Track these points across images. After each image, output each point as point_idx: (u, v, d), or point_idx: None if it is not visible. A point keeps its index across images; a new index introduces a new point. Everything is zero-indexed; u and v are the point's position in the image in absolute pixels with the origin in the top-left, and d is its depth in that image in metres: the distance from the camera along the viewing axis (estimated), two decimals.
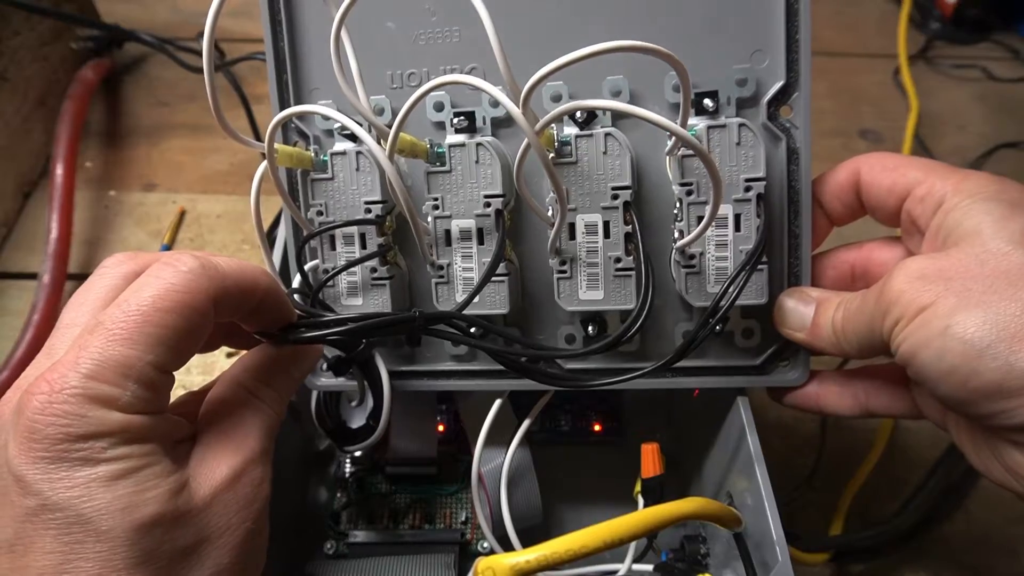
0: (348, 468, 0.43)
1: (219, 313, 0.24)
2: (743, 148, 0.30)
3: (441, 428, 0.44)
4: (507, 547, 0.36)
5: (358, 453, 0.43)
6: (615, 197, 0.31)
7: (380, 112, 0.34)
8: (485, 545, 0.40)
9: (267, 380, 0.28)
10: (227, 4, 0.27)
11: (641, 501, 0.35)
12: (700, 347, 0.32)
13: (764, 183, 0.30)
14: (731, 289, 0.31)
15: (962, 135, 0.70)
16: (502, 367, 0.34)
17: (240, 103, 0.63)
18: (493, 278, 0.32)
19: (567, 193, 0.31)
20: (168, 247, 0.56)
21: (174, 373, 0.24)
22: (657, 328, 0.34)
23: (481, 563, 0.25)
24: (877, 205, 0.31)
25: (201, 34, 0.70)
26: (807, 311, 0.31)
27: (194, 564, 0.22)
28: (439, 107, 0.34)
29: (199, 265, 0.23)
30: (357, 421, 0.38)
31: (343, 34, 0.29)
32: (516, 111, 0.25)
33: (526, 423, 0.37)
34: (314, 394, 0.38)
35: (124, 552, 0.20)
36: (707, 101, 0.31)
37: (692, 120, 0.31)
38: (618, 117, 0.32)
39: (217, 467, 0.24)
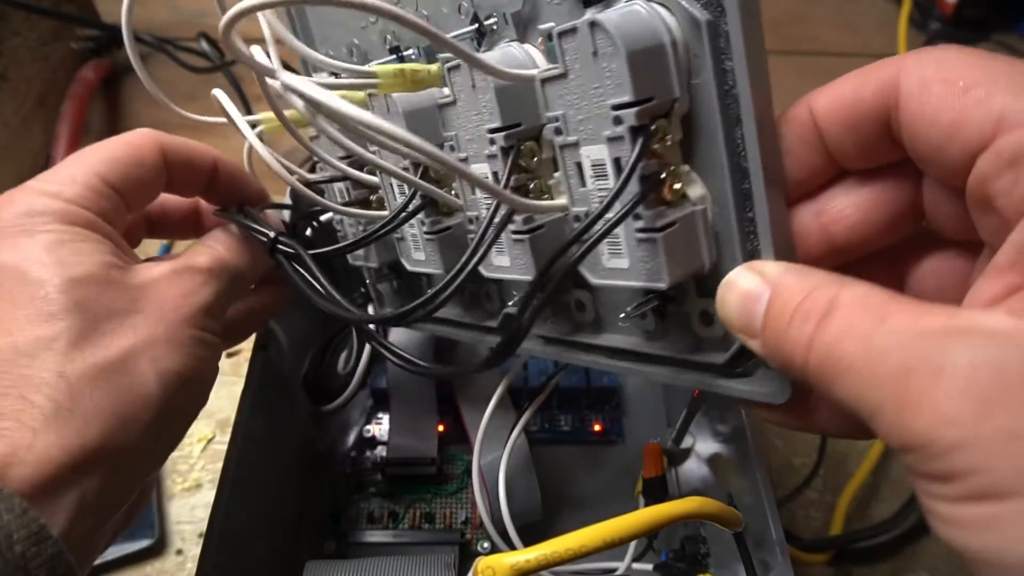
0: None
1: (173, 169, 0.29)
2: (601, 60, 0.21)
3: (441, 428, 0.44)
4: (507, 541, 0.36)
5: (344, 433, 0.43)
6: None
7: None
8: (485, 545, 0.40)
9: (226, 245, 0.30)
10: (227, 4, 0.27)
11: (642, 501, 0.35)
12: (664, 328, 0.26)
13: (635, 110, 0.20)
14: (555, 267, 0.23)
15: None
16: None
17: (239, 102, 0.63)
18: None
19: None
20: (168, 248, 0.56)
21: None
22: (615, 302, 0.27)
23: (481, 563, 0.25)
24: (927, 155, 0.19)
25: (201, 34, 0.70)
26: (755, 305, 0.20)
27: (122, 329, 0.24)
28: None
29: (152, 130, 0.30)
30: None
31: None
32: None
33: (526, 415, 0.37)
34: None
35: (56, 298, 0.24)
36: None
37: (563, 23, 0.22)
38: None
39: (160, 264, 0.28)
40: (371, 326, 0.30)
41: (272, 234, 0.29)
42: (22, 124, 0.61)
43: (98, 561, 0.42)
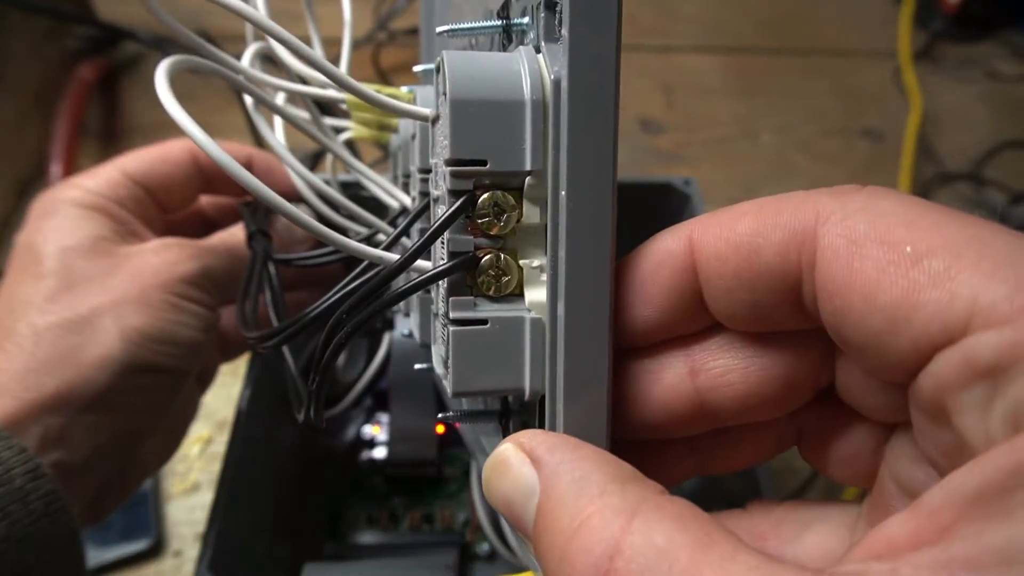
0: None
1: (209, 169, 0.32)
2: (446, 105, 0.17)
3: (441, 429, 0.43)
4: (505, 543, 0.36)
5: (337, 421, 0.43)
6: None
7: None
8: (485, 547, 0.40)
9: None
10: (226, 3, 0.26)
11: None
12: None
13: (449, 169, 0.17)
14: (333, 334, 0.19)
15: (965, 134, 0.69)
16: None
17: (239, 102, 0.63)
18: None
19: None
20: None
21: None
22: None
23: None
24: (856, 342, 0.15)
25: (199, 33, 0.70)
26: (525, 504, 0.15)
27: (96, 289, 0.27)
28: None
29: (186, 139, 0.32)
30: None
31: None
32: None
33: None
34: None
35: (46, 263, 0.27)
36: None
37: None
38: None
39: (160, 239, 0.30)
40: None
41: (254, 228, 0.30)
42: (19, 123, 0.61)
43: (97, 562, 0.42)
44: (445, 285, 0.17)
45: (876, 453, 0.18)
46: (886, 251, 0.14)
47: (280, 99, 0.28)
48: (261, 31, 0.19)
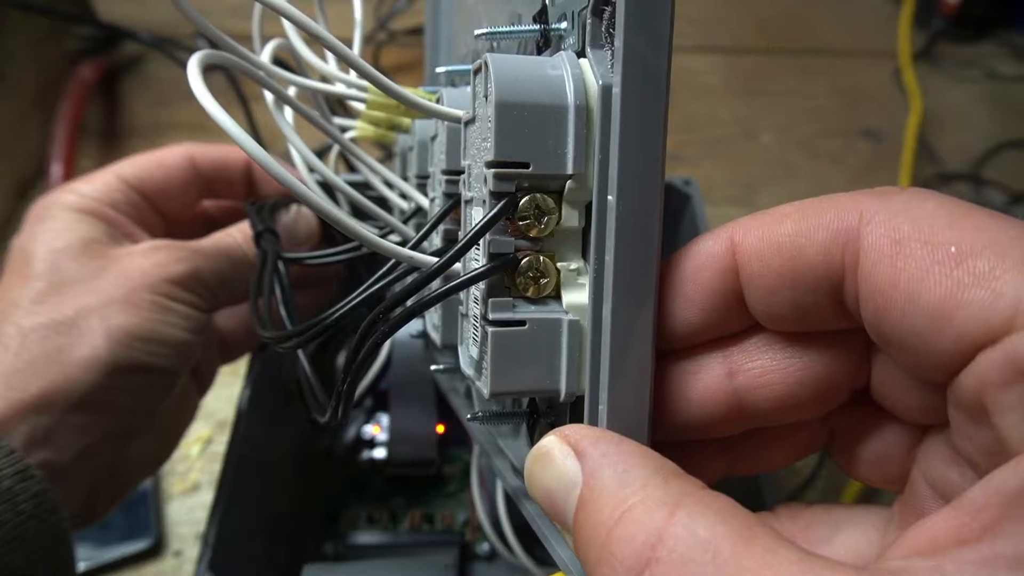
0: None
1: (208, 172, 0.33)
2: (488, 106, 0.17)
3: (441, 429, 0.43)
4: (505, 543, 0.36)
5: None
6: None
7: None
8: (486, 546, 0.40)
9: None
10: (226, 3, 0.26)
11: None
12: None
13: (493, 171, 0.17)
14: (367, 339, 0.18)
15: (965, 134, 0.69)
16: None
17: (238, 102, 0.63)
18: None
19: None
20: None
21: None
22: None
23: None
24: (897, 339, 0.15)
25: (199, 33, 0.70)
26: (566, 497, 0.16)
27: (83, 290, 0.27)
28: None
29: (185, 144, 0.33)
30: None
31: None
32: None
33: None
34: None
35: (36, 265, 0.28)
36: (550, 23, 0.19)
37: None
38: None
39: (151, 241, 0.30)
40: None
41: (261, 227, 0.30)
42: (19, 124, 0.61)
43: (97, 562, 0.42)
44: (482, 286, 0.17)
45: (908, 455, 0.18)
46: (930, 251, 0.14)
47: (269, 98, 0.27)
48: (304, 30, 0.19)
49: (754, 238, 0.16)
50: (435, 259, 0.18)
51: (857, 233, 0.15)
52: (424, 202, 0.26)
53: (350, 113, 0.29)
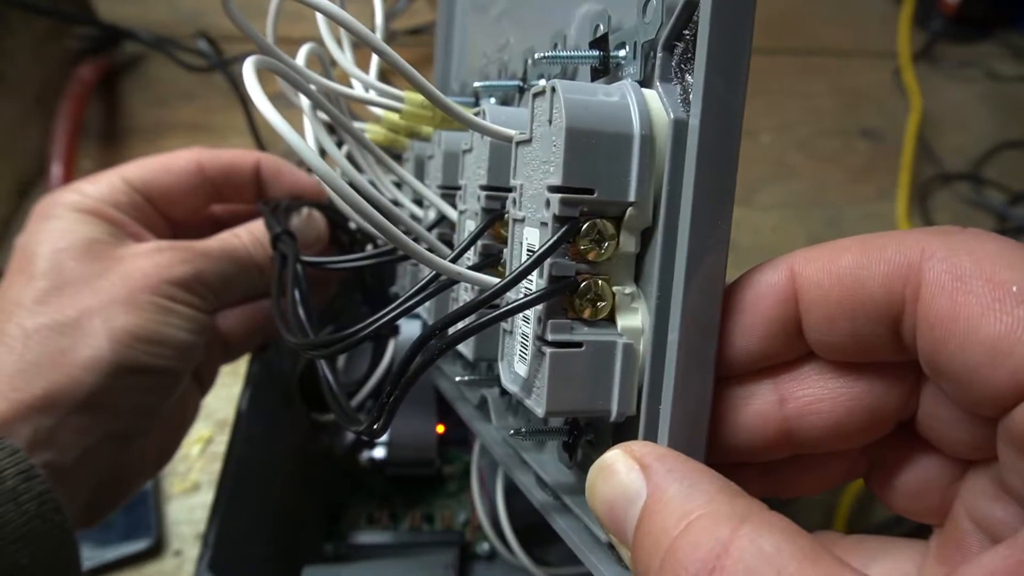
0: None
1: (217, 175, 0.33)
2: (553, 132, 0.18)
3: (441, 429, 0.43)
4: (505, 543, 0.36)
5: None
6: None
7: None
8: (486, 546, 0.40)
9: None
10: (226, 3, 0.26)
11: None
12: (577, 470, 0.21)
13: (559, 196, 0.17)
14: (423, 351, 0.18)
15: (964, 134, 0.69)
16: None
17: (238, 102, 0.63)
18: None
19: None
20: None
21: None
22: None
23: None
24: (952, 373, 0.15)
25: (200, 33, 0.70)
26: (628, 509, 0.16)
27: (86, 291, 0.27)
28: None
29: (194, 148, 0.33)
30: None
31: None
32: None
33: None
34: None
35: (39, 265, 0.28)
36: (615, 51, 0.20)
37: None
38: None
39: (155, 242, 0.30)
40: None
41: (279, 229, 0.30)
42: (19, 124, 0.61)
43: (97, 562, 0.42)
44: (539, 306, 0.18)
45: (949, 489, 0.18)
46: (991, 288, 0.14)
47: (305, 104, 0.27)
48: (363, 41, 0.19)
49: (815, 268, 0.17)
50: (483, 276, 0.19)
51: (919, 268, 0.15)
52: (451, 213, 0.26)
53: (354, 114, 0.29)
